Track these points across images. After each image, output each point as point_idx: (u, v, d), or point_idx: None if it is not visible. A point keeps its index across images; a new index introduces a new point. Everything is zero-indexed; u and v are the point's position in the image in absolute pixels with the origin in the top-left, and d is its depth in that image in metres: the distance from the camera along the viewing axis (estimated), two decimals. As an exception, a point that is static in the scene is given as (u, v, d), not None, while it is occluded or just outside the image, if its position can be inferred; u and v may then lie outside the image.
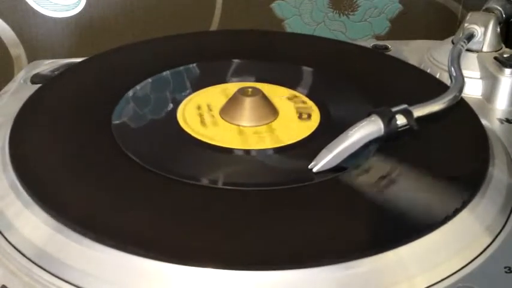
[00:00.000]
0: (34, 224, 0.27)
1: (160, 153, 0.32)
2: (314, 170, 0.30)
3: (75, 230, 0.26)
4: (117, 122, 0.34)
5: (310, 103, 0.37)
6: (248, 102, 0.35)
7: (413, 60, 0.45)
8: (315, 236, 0.26)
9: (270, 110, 0.35)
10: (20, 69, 0.51)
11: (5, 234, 0.27)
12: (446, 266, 0.25)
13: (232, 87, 0.37)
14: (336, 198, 0.28)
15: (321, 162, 0.30)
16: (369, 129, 0.31)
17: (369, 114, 0.32)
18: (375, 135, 0.31)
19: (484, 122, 0.36)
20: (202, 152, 0.32)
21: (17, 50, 0.56)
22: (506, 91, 0.39)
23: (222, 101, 0.36)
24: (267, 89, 0.37)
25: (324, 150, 0.30)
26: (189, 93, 0.38)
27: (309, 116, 0.35)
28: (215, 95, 0.37)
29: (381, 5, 0.61)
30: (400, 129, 0.32)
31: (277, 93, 0.37)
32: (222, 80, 0.40)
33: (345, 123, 0.32)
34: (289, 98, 0.37)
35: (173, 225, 0.26)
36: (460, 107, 0.35)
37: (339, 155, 0.30)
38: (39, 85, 0.39)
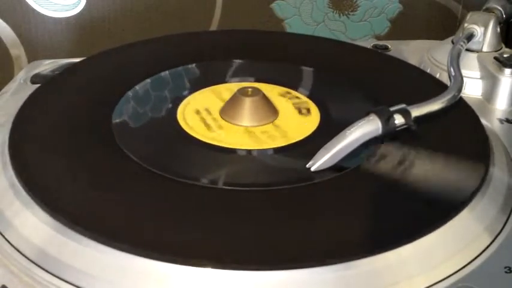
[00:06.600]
0: (34, 224, 0.27)
1: (159, 152, 0.32)
2: (312, 169, 0.30)
3: (74, 229, 0.26)
4: (117, 122, 0.34)
5: (304, 98, 0.37)
6: (248, 102, 0.35)
7: (413, 60, 0.45)
8: (315, 236, 0.26)
9: (270, 109, 0.35)
10: (20, 69, 0.51)
11: (5, 234, 0.27)
12: (446, 266, 0.25)
13: (231, 87, 0.37)
14: (335, 198, 0.28)
15: (319, 162, 0.30)
16: (367, 128, 0.31)
17: (367, 114, 0.32)
18: (373, 135, 0.31)
19: (484, 122, 0.36)
20: (201, 152, 0.32)
21: (17, 50, 0.56)
22: (506, 91, 0.39)
23: (222, 101, 0.36)
24: (265, 88, 0.37)
25: (321, 150, 0.30)
26: (189, 93, 0.38)
27: (308, 110, 0.36)
28: (215, 95, 0.37)
29: (381, 5, 0.61)
30: (398, 129, 0.32)
31: (273, 92, 0.37)
32: (221, 80, 0.40)
33: (344, 122, 0.31)
34: (282, 95, 0.37)
35: (173, 225, 0.26)
36: (460, 106, 0.35)
37: (337, 154, 0.30)
38: (39, 85, 0.39)
